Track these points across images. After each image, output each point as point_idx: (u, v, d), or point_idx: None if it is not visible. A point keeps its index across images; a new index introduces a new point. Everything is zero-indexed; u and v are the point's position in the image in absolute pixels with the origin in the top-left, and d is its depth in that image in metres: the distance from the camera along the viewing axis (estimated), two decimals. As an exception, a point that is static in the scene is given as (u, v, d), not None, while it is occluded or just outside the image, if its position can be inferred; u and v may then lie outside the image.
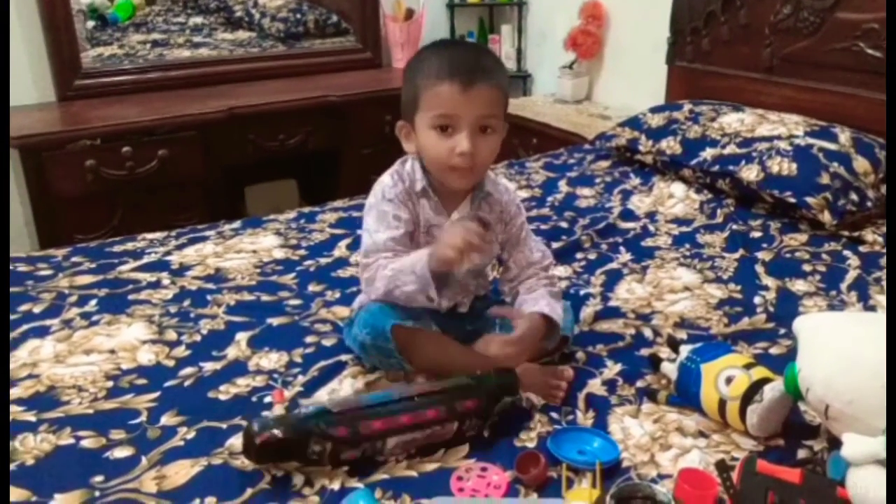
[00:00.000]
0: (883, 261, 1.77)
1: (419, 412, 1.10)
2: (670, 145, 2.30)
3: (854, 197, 1.92)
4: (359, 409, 1.10)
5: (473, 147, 1.24)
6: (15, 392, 1.26)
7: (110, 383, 1.30)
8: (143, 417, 1.21)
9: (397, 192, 1.30)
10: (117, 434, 1.16)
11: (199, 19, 3.24)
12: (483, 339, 1.35)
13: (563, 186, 2.32)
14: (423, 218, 1.32)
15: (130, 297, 1.61)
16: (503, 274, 1.44)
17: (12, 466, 1.08)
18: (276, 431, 1.04)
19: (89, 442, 1.14)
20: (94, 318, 1.52)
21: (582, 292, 1.64)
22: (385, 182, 1.33)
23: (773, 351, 1.40)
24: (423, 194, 1.32)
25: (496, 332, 1.36)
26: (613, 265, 1.79)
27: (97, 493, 1.03)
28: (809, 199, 1.91)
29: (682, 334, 1.45)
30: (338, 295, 1.63)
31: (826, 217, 1.88)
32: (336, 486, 1.05)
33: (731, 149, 2.16)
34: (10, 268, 1.71)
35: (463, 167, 1.26)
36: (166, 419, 1.20)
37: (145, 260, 1.80)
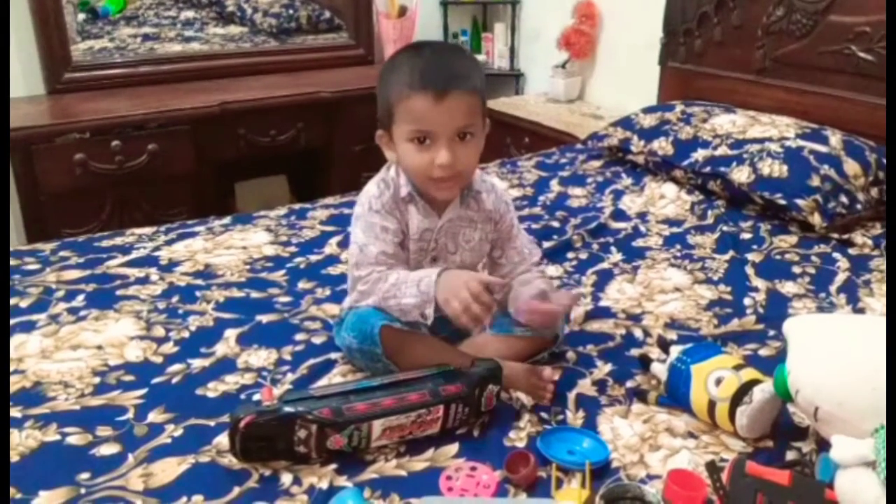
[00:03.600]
0: (872, 263, 1.78)
1: (402, 395, 1.11)
2: (662, 146, 2.30)
3: (844, 199, 1.93)
4: (342, 394, 1.10)
5: (453, 157, 1.22)
6: (0, 387, 1.25)
7: (97, 379, 1.29)
8: (130, 414, 1.20)
9: (384, 202, 1.29)
10: (104, 431, 1.15)
11: (190, 13, 3.22)
12: (474, 338, 1.35)
13: (554, 186, 2.32)
14: (413, 224, 1.31)
15: (118, 292, 1.60)
16: (495, 271, 1.43)
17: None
18: (260, 413, 1.05)
19: (75, 439, 1.13)
20: (82, 313, 1.51)
21: (573, 292, 1.64)
22: (371, 192, 1.31)
23: (763, 352, 1.40)
24: (409, 200, 1.31)
25: (486, 332, 1.36)
26: (604, 265, 1.79)
27: (83, 491, 1.03)
28: (800, 201, 1.91)
29: (672, 335, 1.45)
30: (328, 292, 1.62)
31: (816, 219, 1.89)
32: (324, 484, 1.05)
33: (722, 150, 2.16)
34: (-3, 262, 1.70)
35: (445, 177, 1.24)
36: (153, 416, 1.19)
37: (134, 255, 1.78)
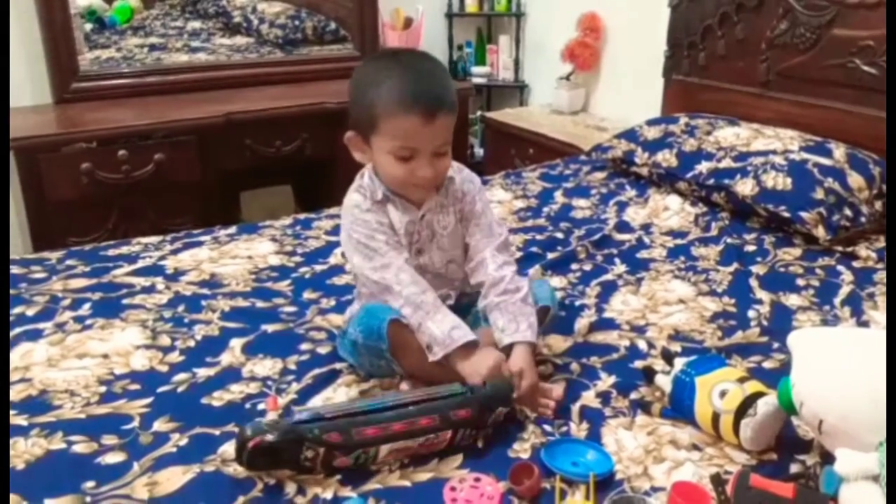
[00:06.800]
0: (876, 276, 1.78)
1: (412, 420, 1.10)
2: (666, 158, 2.31)
3: (848, 212, 1.93)
4: (352, 416, 1.10)
5: (433, 170, 1.27)
6: (7, 395, 1.26)
7: (103, 388, 1.29)
8: (136, 423, 1.20)
9: (369, 206, 1.33)
10: (109, 439, 1.16)
11: (197, 24, 3.24)
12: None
13: (559, 197, 2.33)
14: (395, 220, 1.34)
15: (124, 301, 1.61)
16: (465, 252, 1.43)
17: (3, 471, 1.07)
18: (268, 436, 1.04)
19: (81, 447, 1.14)
20: (88, 322, 1.52)
21: (577, 303, 1.64)
22: (355, 200, 1.34)
23: (767, 365, 1.40)
24: (386, 200, 1.33)
25: (482, 327, 1.36)
26: (608, 277, 1.79)
27: (88, 499, 1.03)
28: (804, 214, 1.92)
29: (676, 347, 1.45)
30: (333, 302, 1.62)
31: (820, 232, 1.89)
32: (328, 495, 1.05)
33: (726, 162, 2.17)
34: (4, 270, 1.71)
35: (423, 185, 1.29)
36: (159, 425, 1.20)
37: (140, 264, 1.79)
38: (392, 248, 1.30)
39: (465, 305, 1.43)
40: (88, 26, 2.92)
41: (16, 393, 1.27)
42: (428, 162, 1.26)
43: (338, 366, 1.37)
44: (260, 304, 1.62)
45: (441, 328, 1.23)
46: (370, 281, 1.31)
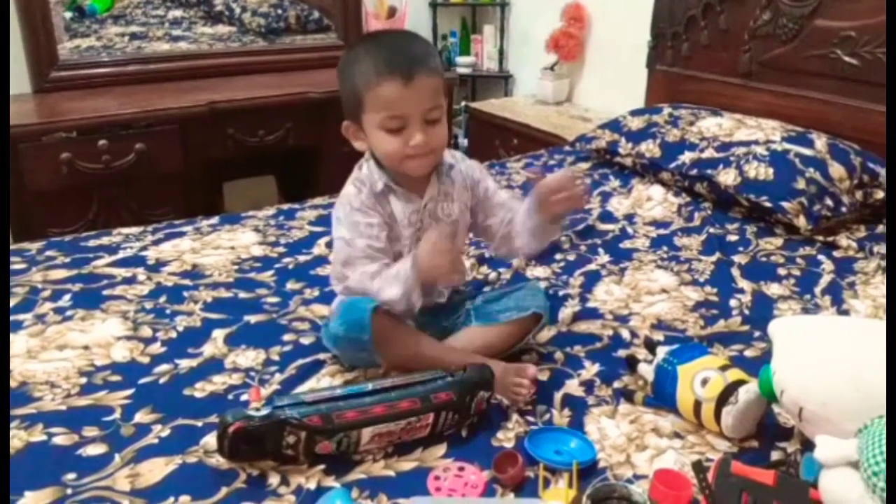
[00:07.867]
0: (856, 265, 1.79)
1: (393, 402, 1.11)
2: (649, 148, 2.31)
3: (829, 202, 1.95)
4: (332, 399, 1.10)
5: (426, 137, 1.26)
6: (-15, 388, 1.24)
7: (84, 380, 1.28)
8: (117, 414, 1.19)
9: (363, 200, 1.31)
10: (90, 431, 1.15)
11: (178, 12, 3.20)
12: (461, 332, 1.35)
13: (542, 187, 2.33)
14: (398, 211, 1.33)
15: (105, 292, 1.59)
16: (487, 235, 1.45)
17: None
18: (249, 420, 1.04)
19: (62, 439, 1.13)
20: (68, 313, 1.50)
21: (560, 293, 1.65)
22: (349, 193, 1.33)
23: (748, 353, 1.41)
24: (387, 191, 1.32)
25: (473, 325, 1.36)
26: (592, 266, 1.80)
27: (69, 491, 1.02)
28: (785, 204, 1.93)
29: (658, 336, 1.46)
30: (317, 293, 1.62)
31: (801, 222, 1.90)
32: (312, 485, 1.05)
33: (709, 153, 2.17)
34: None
35: (419, 154, 1.27)
36: (140, 416, 1.19)
37: (121, 255, 1.78)
38: (367, 257, 1.28)
39: (456, 304, 1.43)
40: (68, 15, 2.88)
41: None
42: (419, 128, 1.25)
43: (321, 356, 1.36)
44: (243, 294, 1.61)
45: (396, 284, 1.23)
46: (336, 271, 1.33)
